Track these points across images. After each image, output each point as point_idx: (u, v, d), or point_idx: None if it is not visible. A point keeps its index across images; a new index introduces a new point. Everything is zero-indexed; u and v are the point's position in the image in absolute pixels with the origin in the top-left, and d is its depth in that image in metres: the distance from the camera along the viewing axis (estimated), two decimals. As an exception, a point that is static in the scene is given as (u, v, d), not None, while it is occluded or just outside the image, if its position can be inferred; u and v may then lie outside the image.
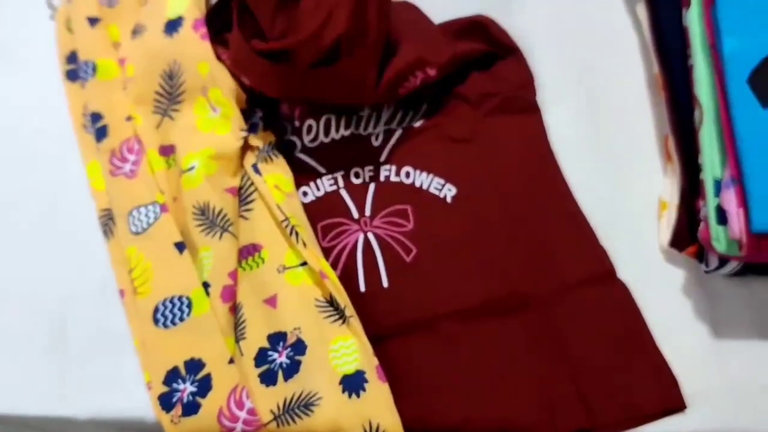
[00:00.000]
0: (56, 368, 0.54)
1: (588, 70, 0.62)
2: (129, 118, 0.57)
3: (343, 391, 0.50)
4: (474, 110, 0.60)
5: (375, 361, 0.50)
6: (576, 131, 0.60)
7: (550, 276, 0.54)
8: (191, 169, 0.54)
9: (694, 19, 0.52)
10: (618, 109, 0.60)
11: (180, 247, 0.53)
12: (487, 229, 0.56)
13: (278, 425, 0.50)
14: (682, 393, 0.51)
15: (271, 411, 0.50)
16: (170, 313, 0.52)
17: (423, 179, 0.58)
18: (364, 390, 0.50)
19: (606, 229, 0.56)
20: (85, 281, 0.57)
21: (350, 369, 0.50)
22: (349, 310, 0.51)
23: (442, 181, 0.58)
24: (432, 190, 0.58)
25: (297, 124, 0.59)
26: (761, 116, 0.48)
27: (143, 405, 0.52)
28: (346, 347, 0.51)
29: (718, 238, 0.50)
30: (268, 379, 0.51)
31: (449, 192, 0.57)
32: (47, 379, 0.54)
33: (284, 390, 0.51)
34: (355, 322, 0.51)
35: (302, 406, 0.50)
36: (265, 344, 0.52)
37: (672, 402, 0.51)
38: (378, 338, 0.52)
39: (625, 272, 0.55)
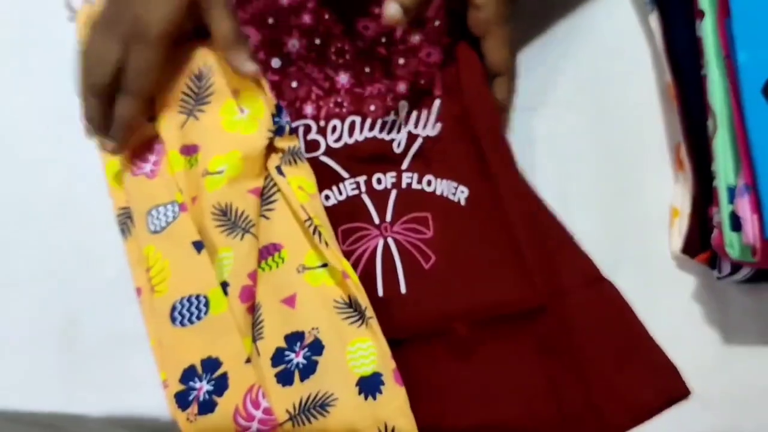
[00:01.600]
0: (68, 366, 0.54)
1: (599, 78, 0.63)
2: (151, 119, 0.57)
3: (359, 393, 0.50)
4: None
5: (392, 364, 0.50)
6: (587, 139, 0.61)
7: (552, 280, 0.55)
8: (220, 172, 0.55)
9: (707, 30, 0.53)
10: (629, 118, 0.61)
11: (198, 246, 0.53)
12: (496, 232, 0.56)
13: (294, 425, 0.50)
14: (684, 380, 0.52)
15: (287, 411, 0.50)
16: (187, 311, 0.52)
17: (443, 186, 0.58)
18: (380, 392, 0.50)
19: (617, 235, 0.57)
20: (99, 280, 0.57)
21: (367, 371, 0.50)
22: (370, 311, 0.51)
23: (455, 184, 0.58)
24: (448, 195, 0.58)
25: (322, 123, 0.60)
26: (775, 125, 0.49)
27: (157, 404, 0.52)
28: (363, 349, 0.51)
29: (732, 245, 0.50)
30: (284, 379, 0.51)
31: (462, 194, 0.58)
32: (58, 377, 0.54)
33: (300, 390, 0.51)
34: (375, 323, 0.51)
35: (318, 406, 0.50)
36: (283, 344, 0.52)
37: (677, 391, 0.52)
38: (394, 342, 0.52)
39: (635, 278, 0.55)
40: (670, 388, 0.52)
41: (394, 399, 0.50)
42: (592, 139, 0.61)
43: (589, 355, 0.53)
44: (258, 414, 0.50)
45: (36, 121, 0.63)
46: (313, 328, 0.52)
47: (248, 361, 0.51)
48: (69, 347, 0.55)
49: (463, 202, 0.58)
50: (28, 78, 0.65)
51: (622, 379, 0.52)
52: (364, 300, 0.52)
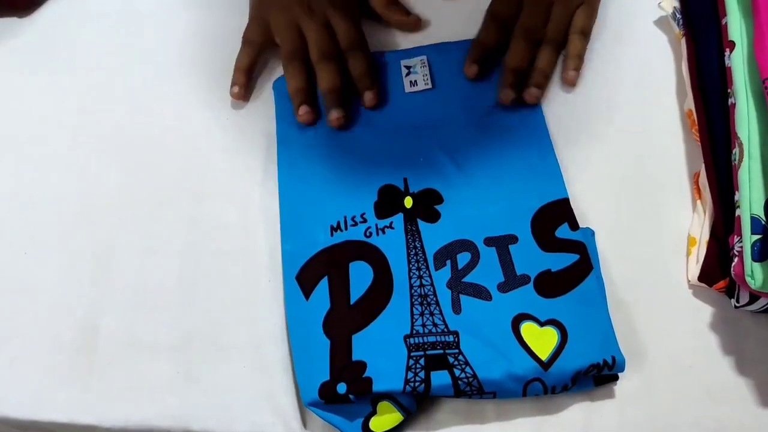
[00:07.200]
0: (83, 375, 0.53)
1: (617, 105, 0.63)
2: None
3: None
4: None
5: None
6: (605, 166, 0.61)
7: None
8: None
9: (738, 60, 0.53)
10: (647, 146, 0.61)
11: None
12: None
13: None
14: None
15: None
16: None
17: None
18: None
19: (633, 263, 0.57)
20: (118, 289, 0.56)
21: None
22: None
23: None
24: None
25: None
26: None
27: (170, 414, 0.51)
28: None
29: (753, 275, 0.50)
30: None
31: None
32: (72, 386, 0.53)
33: None
34: None
35: None
36: None
37: None
38: None
39: (651, 306, 0.55)
40: None
41: None
42: (609, 166, 0.61)
43: None
44: None
45: (56, 125, 0.62)
46: None
47: None
48: (84, 356, 0.54)
49: None
50: (56, 78, 0.64)
51: None
52: None
